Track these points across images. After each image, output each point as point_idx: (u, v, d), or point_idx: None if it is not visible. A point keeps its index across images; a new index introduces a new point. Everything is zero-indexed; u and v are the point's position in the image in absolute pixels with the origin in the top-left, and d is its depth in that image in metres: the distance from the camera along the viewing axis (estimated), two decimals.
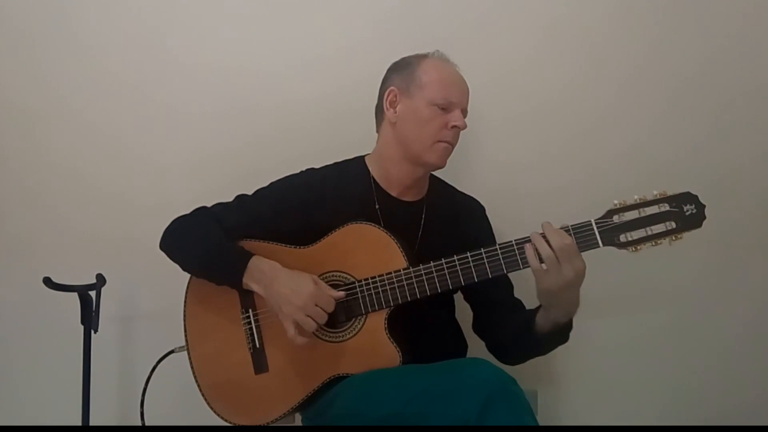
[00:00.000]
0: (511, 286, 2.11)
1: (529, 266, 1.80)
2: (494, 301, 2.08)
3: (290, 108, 2.49)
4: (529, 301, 2.03)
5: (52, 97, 2.53)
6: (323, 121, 2.48)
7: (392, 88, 2.03)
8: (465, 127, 2.00)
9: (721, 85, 2.47)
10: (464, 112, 2.02)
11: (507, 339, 2.03)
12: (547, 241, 1.75)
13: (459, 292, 2.13)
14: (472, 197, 2.22)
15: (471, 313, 2.17)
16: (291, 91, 2.49)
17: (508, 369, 1.72)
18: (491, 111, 2.41)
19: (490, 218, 2.22)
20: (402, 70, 2.04)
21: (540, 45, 2.49)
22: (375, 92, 2.09)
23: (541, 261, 1.76)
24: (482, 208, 2.22)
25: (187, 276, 2.06)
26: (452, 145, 2.02)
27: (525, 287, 2.05)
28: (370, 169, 2.09)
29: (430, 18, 2.48)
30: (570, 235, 1.77)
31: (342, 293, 1.91)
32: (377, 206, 2.04)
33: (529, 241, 1.78)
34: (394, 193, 2.07)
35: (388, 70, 2.09)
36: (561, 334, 1.91)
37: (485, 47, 2.47)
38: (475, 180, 2.33)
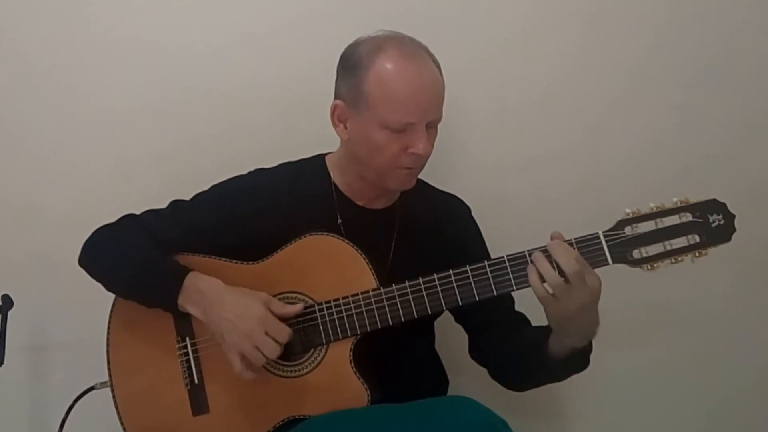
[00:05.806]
0: (511, 300, 2.08)
1: (524, 287, 1.78)
2: (491, 321, 2.06)
3: (235, 96, 2.44)
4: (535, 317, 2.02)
5: None
6: (276, 111, 2.44)
7: (338, 102, 1.96)
8: (429, 153, 1.91)
9: (754, 71, 2.46)
10: (433, 124, 1.93)
11: (512, 362, 2.02)
12: (553, 263, 1.72)
13: (440, 318, 2.10)
14: (454, 196, 2.19)
15: (452, 344, 2.17)
16: (236, 75, 2.44)
17: (499, 408, 1.73)
18: (475, 102, 2.40)
19: None
20: (349, 77, 1.93)
21: (533, 21, 2.46)
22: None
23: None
24: (467, 209, 2.19)
25: (112, 298, 2.02)
26: (416, 168, 1.95)
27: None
28: (331, 173, 2.07)
29: None
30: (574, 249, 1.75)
31: (299, 306, 1.89)
32: (339, 221, 2.02)
33: (526, 258, 1.77)
34: (359, 202, 2.05)
35: (339, 64, 1.98)
36: (580, 359, 1.89)
37: (467, 23, 2.43)
38: (457, 184, 2.27)
